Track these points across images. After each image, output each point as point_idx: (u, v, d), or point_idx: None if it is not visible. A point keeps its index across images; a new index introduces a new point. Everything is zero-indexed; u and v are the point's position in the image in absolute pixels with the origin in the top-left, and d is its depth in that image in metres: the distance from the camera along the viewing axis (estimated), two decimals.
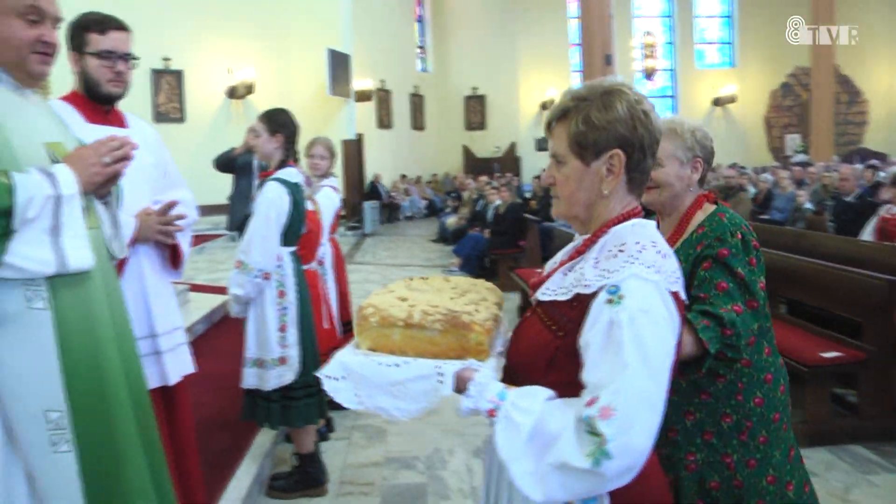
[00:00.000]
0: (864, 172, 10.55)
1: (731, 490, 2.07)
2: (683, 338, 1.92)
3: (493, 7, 24.83)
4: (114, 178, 2.03)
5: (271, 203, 3.44)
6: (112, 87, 2.53)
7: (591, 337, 1.26)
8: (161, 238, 2.63)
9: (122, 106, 2.67)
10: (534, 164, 22.78)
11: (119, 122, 2.65)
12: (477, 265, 10.98)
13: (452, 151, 25.14)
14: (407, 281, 1.70)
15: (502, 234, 10.59)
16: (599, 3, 14.87)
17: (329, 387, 1.40)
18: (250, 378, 3.53)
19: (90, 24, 2.47)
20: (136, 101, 2.57)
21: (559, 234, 8.35)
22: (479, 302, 1.51)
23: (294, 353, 3.52)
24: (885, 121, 25.19)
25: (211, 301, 6.91)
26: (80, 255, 1.82)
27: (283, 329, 3.51)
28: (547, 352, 1.37)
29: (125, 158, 2.00)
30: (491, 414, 1.28)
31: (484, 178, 15.63)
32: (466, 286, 1.65)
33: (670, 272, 1.31)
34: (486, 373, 1.34)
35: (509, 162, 24.40)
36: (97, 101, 2.55)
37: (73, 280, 1.84)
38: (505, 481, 1.43)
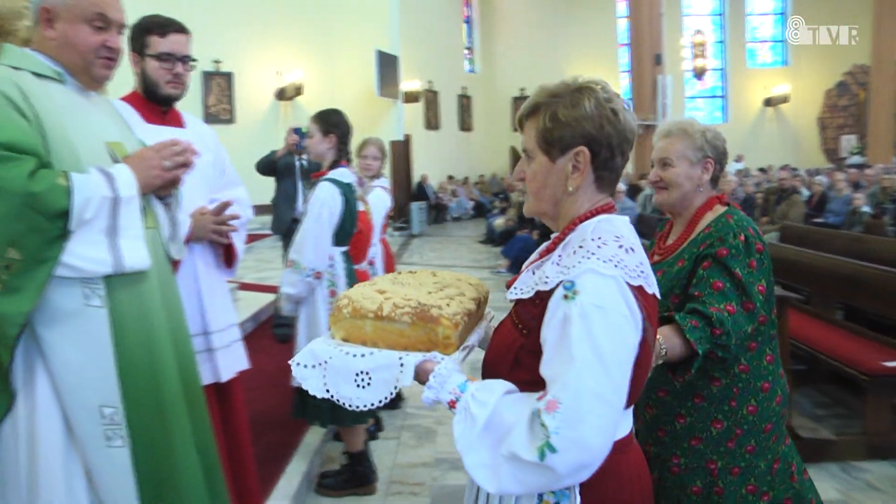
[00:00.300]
0: None
1: (710, 496, 2.07)
2: (672, 339, 1.92)
3: (541, 7, 24.70)
4: (173, 182, 2.06)
5: (324, 203, 3.46)
6: (170, 89, 2.57)
7: (547, 333, 1.27)
8: (215, 238, 2.67)
9: (176, 107, 2.70)
10: None
11: (177, 122, 2.69)
12: None
13: (500, 152, 25.07)
14: (395, 275, 1.74)
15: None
16: (650, 2, 14.65)
17: (298, 374, 1.43)
18: None
19: (152, 27, 2.52)
20: (187, 103, 2.61)
21: None
22: (455, 297, 1.54)
23: None
24: None
25: (259, 300, 7.01)
26: (136, 255, 1.86)
27: None
28: (512, 350, 1.39)
29: (186, 165, 2.05)
30: (451, 405, 1.30)
31: None
32: (450, 281, 1.68)
33: (633, 266, 1.29)
34: (448, 365, 1.35)
35: None
36: (155, 102, 2.59)
37: (129, 279, 1.87)
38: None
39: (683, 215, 2.26)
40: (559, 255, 1.36)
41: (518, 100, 25.23)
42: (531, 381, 1.30)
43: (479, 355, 1.58)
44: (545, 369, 1.25)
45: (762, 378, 2.11)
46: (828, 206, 11.03)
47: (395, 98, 17.86)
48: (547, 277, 1.33)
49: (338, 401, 1.40)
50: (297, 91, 17.10)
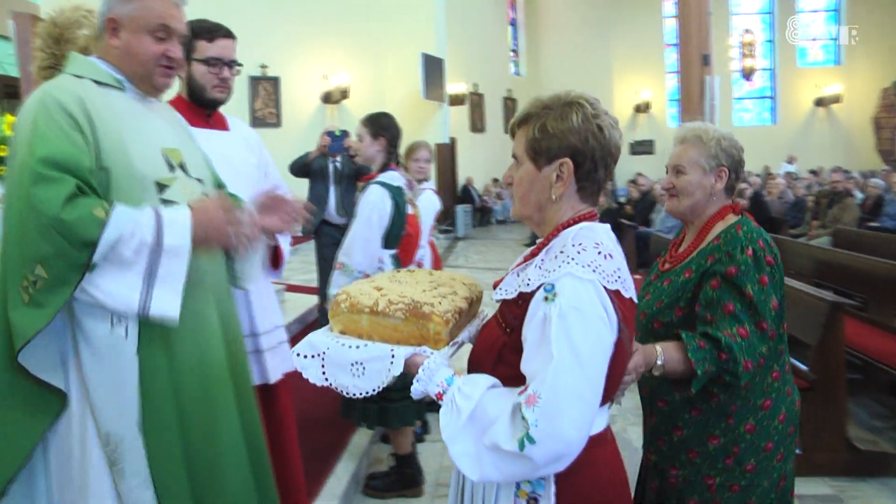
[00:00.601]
0: None
1: None
2: (673, 354, 1.94)
3: (587, 9, 24.49)
4: (230, 246, 2.00)
5: (374, 206, 3.49)
6: (217, 93, 2.61)
7: (528, 332, 1.37)
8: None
9: (222, 111, 2.74)
10: (628, 169, 22.26)
11: (221, 125, 2.73)
12: None
13: None
14: (393, 273, 1.83)
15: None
16: (698, 1, 14.39)
17: (298, 363, 1.54)
18: None
19: (200, 32, 2.56)
20: (234, 107, 2.66)
21: (656, 240, 8.14)
22: (448, 295, 1.62)
23: None
24: None
25: (305, 301, 7.07)
26: (165, 307, 1.78)
27: None
28: (496, 347, 1.48)
29: (248, 237, 1.99)
30: (439, 397, 1.39)
31: None
32: (444, 280, 1.76)
33: (610, 272, 1.37)
34: (437, 359, 1.43)
35: None
36: (200, 106, 2.63)
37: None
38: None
39: (695, 224, 2.22)
40: (542, 259, 1.45)
41: None
42: (513, 377, 1.39)
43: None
44: (526, 366, 1.34)
45: (763, 396, 2.07)
46: (884, 209, 10.69)
47: (440, 101, 17.87)
48: (529, 279, 1.42)
49: (336, 388, 1.50)
50: (343, 94, 17.21)
